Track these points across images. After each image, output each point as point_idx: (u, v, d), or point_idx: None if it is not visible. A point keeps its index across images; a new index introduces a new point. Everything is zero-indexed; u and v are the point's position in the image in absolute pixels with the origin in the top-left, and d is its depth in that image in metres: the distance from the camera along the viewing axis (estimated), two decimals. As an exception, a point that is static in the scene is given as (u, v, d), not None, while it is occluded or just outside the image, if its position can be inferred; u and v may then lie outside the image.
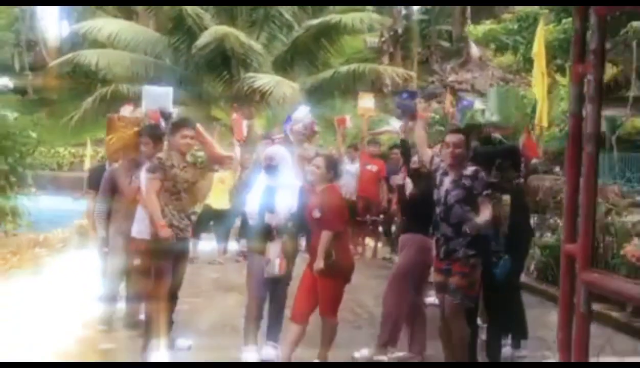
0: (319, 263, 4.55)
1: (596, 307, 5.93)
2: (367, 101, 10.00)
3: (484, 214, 4.32)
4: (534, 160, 5.83)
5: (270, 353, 4.95)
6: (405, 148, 5.32)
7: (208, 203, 9.00)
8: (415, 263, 5.07)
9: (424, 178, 4.89)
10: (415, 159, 5.22)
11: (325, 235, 4.57)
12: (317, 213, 4.63)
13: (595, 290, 2.06)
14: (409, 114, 5.19)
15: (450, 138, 4.53)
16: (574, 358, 2.04)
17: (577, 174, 2.10)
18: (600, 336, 4.83)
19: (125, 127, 5.49)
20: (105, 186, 5.76)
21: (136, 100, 13.28)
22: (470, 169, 4.41)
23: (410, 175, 5.21)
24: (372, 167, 9.48)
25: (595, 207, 2.11)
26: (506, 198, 4.96)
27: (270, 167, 5.01)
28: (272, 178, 5.00)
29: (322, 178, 4.76)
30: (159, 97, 5.70)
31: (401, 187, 5.47)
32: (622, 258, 6.15)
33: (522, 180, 5.31)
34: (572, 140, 2.14)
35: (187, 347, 5.17)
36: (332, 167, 4.85)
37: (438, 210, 4.52)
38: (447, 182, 4.45)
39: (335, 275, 4.64)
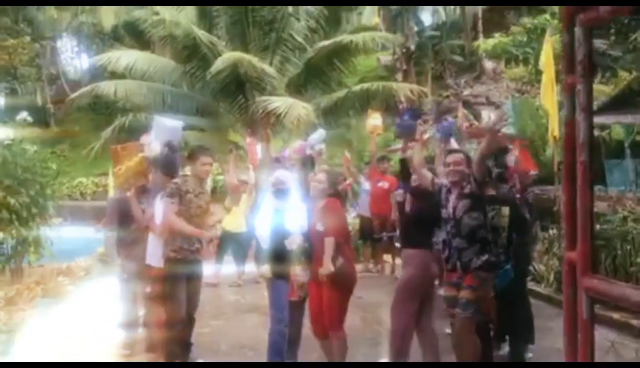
0: (327, 267, 4.60)
1: (616, 316, 5.91)
2: (375, 119, 10.08)
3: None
4: (532, 172, 5.84)
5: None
6: (404, 167, 5.39)
7: (225, 227, 9.12)
8: (416, 278, 5.05)
9: (423, 194, 4.95)
10: (415, 176, 5.27)
11: (328, 242, 4.64)
12: (320, 227, 4.73)
13: (596, 296, 2.09)
14: (408, 136, 5.29)
15: (450, 158, 4.66)
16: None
17: (574, 182, 2.15)
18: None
19: (129, 156, 5.63)
20: (112, 214, 5.91)
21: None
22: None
23: (410, 191, 5.27)
24: (384, 184, 9.51)
25: (593, 213, 2.16)
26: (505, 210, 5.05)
27: (280, 191, 5.10)
28: (282, 201, 5.09)
29: (323, 193, 4.87)
30: (170, 130, 5.80)
31: (401, 204, 5.52)
32: (640, 265, 6.10)
33: (518, 194, 5.39)
34: (567, 148, 2.19)
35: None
36: (334, 183, 4.96)
37: (448, 227, 4.59)
38: (453, 198, 4.57)
39: (338, 287, 4.71)
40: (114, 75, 16.86)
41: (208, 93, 15.29)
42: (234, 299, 8.12)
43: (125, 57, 15.00)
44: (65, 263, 9.57)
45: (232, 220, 9.00)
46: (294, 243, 4.96)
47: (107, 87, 14.96)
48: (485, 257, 4.44)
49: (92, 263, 9.75)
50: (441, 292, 5.26)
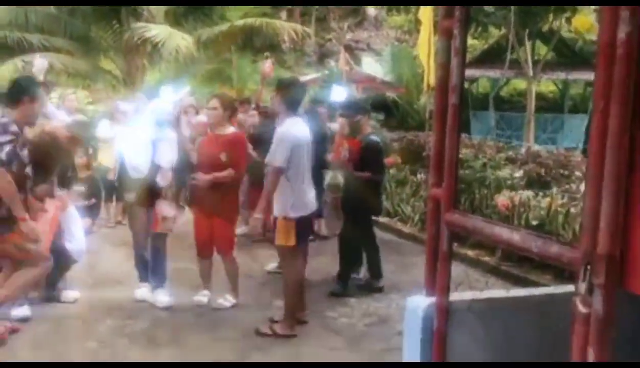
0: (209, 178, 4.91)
1: (470, 253, 6.46)
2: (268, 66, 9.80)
3: None
4: None
5: (162, 299, 5.15)
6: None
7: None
8: None
9: None
10: None
11: (228, 173, 4.91)
12: (224, 158, 4.89)
13: (456, 230, 2.27)
14: None
15: None
16: (437, 293, 2.25)
17: (444, 123, 2.27)
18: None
19: None
20: None
21: (15, 48, 12.37)
22: None
23: None
24: None
25: (458, 153, 2.30)
26: None
27: (158, 121, 5.12)
28: (159, 132, 5.07)
29: (222, 119, 5.01)
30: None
31: None
32: (494, 208, 6.66)
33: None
34: (439, 91, 2.30)
35: (73, 300, 5.14)
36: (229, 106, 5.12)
37: None
38: None
39: (228, 216, 5.13)
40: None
41: (79, 14, 14.19)
42: (103, 233, 7.82)
43: (-18, -32, 13.45)
44: None
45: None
46: (165, 176, 5.08)
47: (-41, 1, 13.38)
48: None
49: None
50: None
